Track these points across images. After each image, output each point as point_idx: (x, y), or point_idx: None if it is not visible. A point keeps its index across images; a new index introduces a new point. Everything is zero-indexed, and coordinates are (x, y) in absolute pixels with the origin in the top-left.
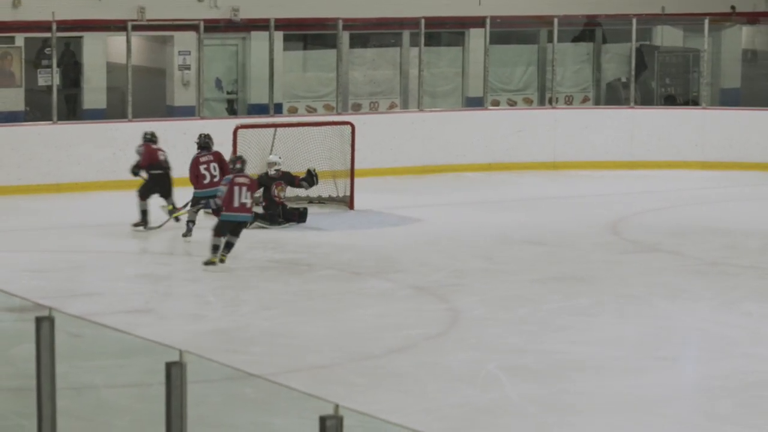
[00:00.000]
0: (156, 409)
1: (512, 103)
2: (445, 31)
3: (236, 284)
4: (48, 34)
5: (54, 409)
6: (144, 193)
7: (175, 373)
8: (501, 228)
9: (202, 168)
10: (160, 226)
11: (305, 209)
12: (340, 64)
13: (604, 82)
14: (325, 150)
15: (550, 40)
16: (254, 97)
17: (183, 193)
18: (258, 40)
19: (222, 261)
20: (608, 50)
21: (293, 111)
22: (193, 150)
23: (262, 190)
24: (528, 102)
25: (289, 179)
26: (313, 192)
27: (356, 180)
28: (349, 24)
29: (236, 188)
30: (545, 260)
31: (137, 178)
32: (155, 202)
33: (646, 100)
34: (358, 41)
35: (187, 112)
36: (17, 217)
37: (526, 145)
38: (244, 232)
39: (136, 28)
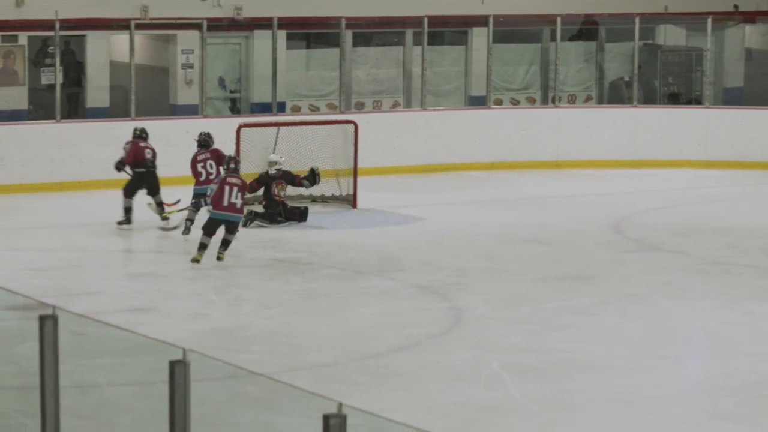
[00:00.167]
0: (159, 408)
1: (515, 102)
2: (448, 30)
3: (238, 283)
4: (51, 33)
5: (57, 408)
6: (128, 191)
7: (178, 372)
8: (504, 227)
9: (199, 166)
10: (176, 227)
11: (306, 208)
12: (343, 63)
13: (607, 81)
14: (328, 149)
15: (553, 39)
16: (257, 96)
17: (178, 192)
18: (261, 38)
19: (220, 259)
20: (611, 49)
21: (296, 110)
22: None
23: (263, 189)
24: (531, 101)
25: (290, 178)
26: (316, 191)
27: (359, 179)
28: (352, 23)
29: (227, 187)
30: (548, 259)
31: (121, 173)
32: (143, 200)
33: (649, 99)
34: (361, 40)
35: (190, 111)
36: (20, 215)
37: (529, 144)
38: (246, 231)
39: (139, 26)
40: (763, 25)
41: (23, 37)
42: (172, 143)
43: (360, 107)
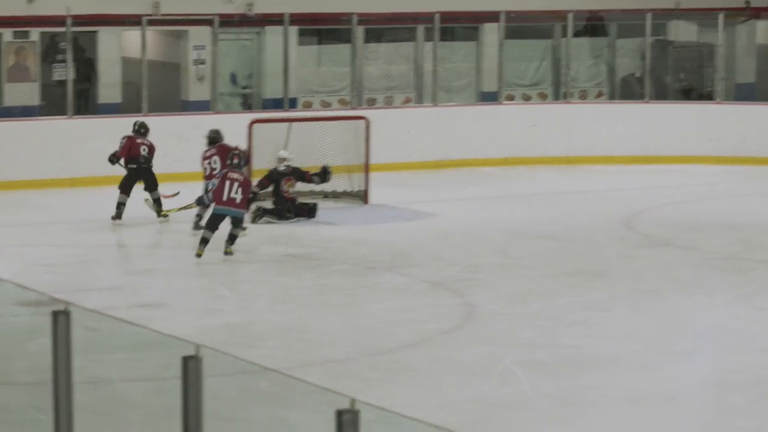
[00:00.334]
0: (171, 403)
1: (527, 98)
2: (459, 26)
3: (250, 278)
4: (63, 29)
5: (70, 403)
6: (123, 186)
7: (191, 367)
8: (515, 223)
9: (205, 162)
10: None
11: (315, 204)
12: (355, 59)
13: (618, 77)
14: (340, 145)
15: (565, 34)
16: (269, 92)
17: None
18: (272, 34)
19: (229, 254)
20: (622, 45)
21: (308, 106)
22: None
23: (272, 185)
24: (542, 97)
25: (299, 174)
26: (328, 187)
27: (371, 175)
28: (364, 19)
29: (227, 182)
30: (560, 255)
31: (114, 166)
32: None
33: (660, 95)
34: (372, 36)
35: (201, 107)
36: (31, 211)
37: (541, 140)
38: (257, 227)
39: (150, 22)
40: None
41: (35, 33)
42: (184, 139)
43: (371, 103)
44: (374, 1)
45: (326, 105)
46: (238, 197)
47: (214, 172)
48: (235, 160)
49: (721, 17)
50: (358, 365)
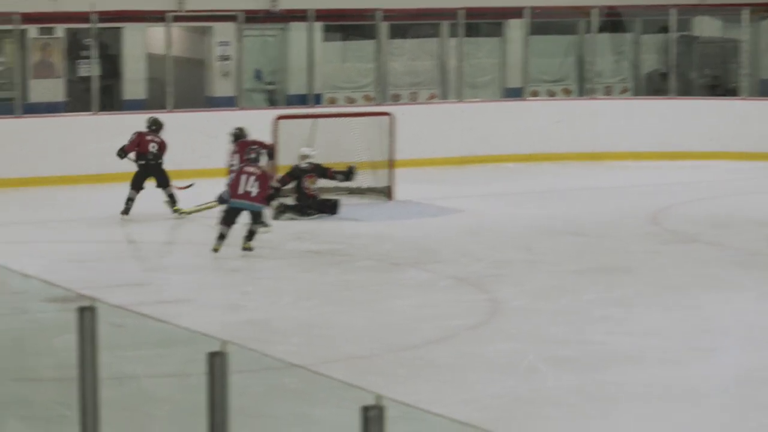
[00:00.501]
0: (196, 399)
1: (551, 94)
2: (484, 22)
3: (275, 275)
4: (88, 25)
5: (96, 399)
6: (133, 182)
7: (217, 364)
8: (541, 219)
9: (229, 159)
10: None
11: (337, 200)
12: (380, 54)
13: (643, 72)
14: (365, 141)
15: (589, 30)
16: (293, 88)
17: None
18: (297, 30)
19: (248, 249)
20: (647, 41)
21: (333, 102)
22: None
23: (294, 182)
24: (567, 93)
25: (321, 171)
26: (353, 183)
27: (395, 171)
28: (389, 15)
29: (243, 176)
30: (585, 251)
31: (123, 161)
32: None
33: (685, 90)
34: (397, 32)
35: (226, 103)
36: (57, 207)
37: (566, 136)
38: (281, 224)
39: (175, 18)
40: None
41: (60, 30)
42: (209, 135)
43: (396, 99)
44: None
45: (351, 101)
46: (254, 191)
47: (232, 168)
48: (252, 155)
49: (746, 13)
50: (382, 361)
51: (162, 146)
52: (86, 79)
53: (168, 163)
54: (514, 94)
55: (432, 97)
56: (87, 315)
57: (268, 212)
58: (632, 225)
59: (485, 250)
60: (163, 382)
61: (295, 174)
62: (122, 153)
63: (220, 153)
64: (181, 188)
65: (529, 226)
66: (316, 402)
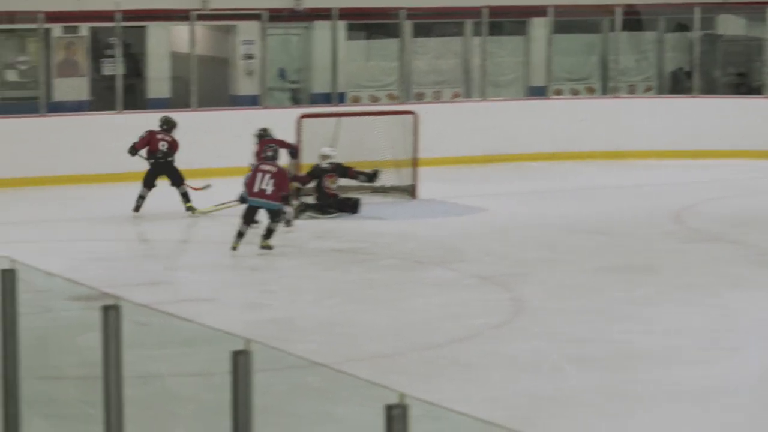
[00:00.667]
0: (221, 398)
1: (575, 93)
2: (507, 21)
3: (298, 273)
4: (112, 24)
5: (120, 398)
6: (144, 180)
7: (241, 362)
8: (564, 217)
9: (252, 158)
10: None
11: (358, 200)
12: (403, 53)
13: (666, 71)
14: (388, 139)
15: (613, 29)
16: (317, 87)
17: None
18: (321, 29)
19: (267, 248)
20: (671, 39)
21: (356, 100)
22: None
23: (315, 182)
24: (591, 91)
25: (342, 171)
26: (377, 181)
27: (419, 169)
28: (413, 13)
29: (259, 174)
30: (608, 249)
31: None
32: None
33: (709, 89)
34: (421, 30)
35: (250, 102)
36: (82, 205)
37: (589, 135)
38: (304, 223)
39: (199, 17)
40: None
41: (84, 28)
42: (234, 134)
43: (420, 98)
44: None
45: (375, 100)
46: (269, 188)
47: (251, 166)
48: (269, 153)
49: None
50: (406, 360)
51: (172, 145)
52: (110, 78)
53: (191, 162)
54: (538, 92)
55: (456, 95)
56: (111, 313)
57: (290, 211)
58: (655, 224)
59: (509, 249)
60: (187, 380)
61: (316, 173)
62: (133, 150)
63: (244, 152)
64: (197, 189)
65: (553, 225)
66: (340, 401)
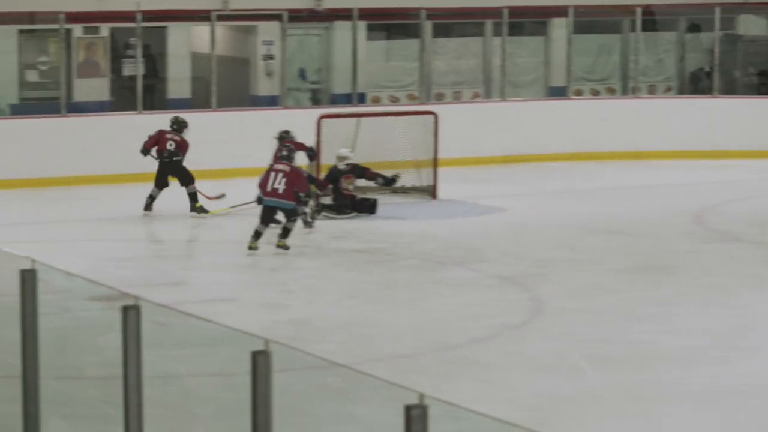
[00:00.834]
0: (240, 398)
1: (595, 93)
2: (527, 21)
3: (318, 273)
4: (132, 25)
5: (140, 398)
6: (155, 180)
7: (260, 362)
8: (584, 217)
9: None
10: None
11: (375, 200)
12: (423, 53)
13: (687, 71)
14: (409, 140)
15: (633, 29)
16: (337, 87)
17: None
18: (341, 29)
19: (282, 247)
20: (691, 40)
21: (376, 101)
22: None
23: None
24: (611, 91)
25: (359, 171)
26: (397, 182)
27: (439, 170)
28: (433, 14)
29: (272, 173)
30: (628, 250)
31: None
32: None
33: (729, 89)
34: (441, 31)
35: (270, 102)
36: (102, 205)
37: (609, 135)
38: (325, 223)
39: (220, 17)
40: None
41: (105, 29)
42: (254, 134)
43: (440, 98)
44: None
45: (395, 100)
46: (281, 187)
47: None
48: (284, 152)
49: None
50: (425, 360)
51: (180, 145)
52: (130, 79)
53: (210, 162)
54: (558, 93)
55: (475, 96)
56: (131, 314)
57: (308, 211)
58: (675, 224)
59: (528, 249)
60: (207, 381)
61: (333, 175)
62: (144, 150)
63: (264, 152)
64: (211, 198)
65: (573, 225)
66: (359, 401)
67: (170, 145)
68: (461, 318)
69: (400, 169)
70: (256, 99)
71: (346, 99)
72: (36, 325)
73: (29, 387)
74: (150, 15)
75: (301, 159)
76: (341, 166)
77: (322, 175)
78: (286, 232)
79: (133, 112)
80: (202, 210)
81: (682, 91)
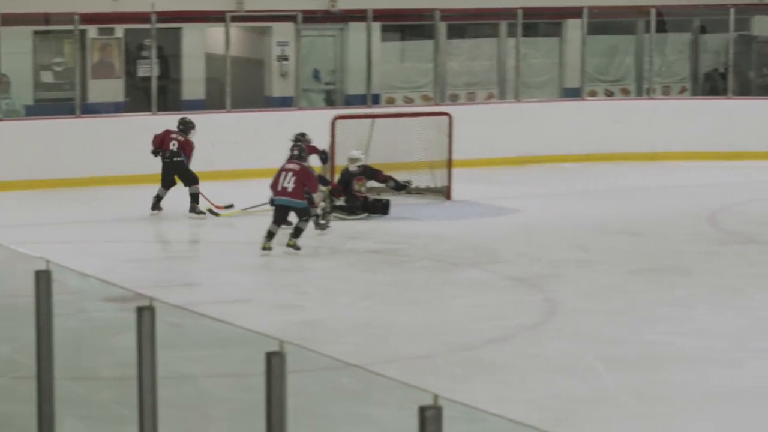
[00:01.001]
0: (255, 399)
1: (609, 94)
2: (542, 22)
3: (333, 274)
4: (147, 26)
5: (155, 399)
6: (162, 179)
7: (275, 363)
8: (598, 218)
9: None
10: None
11: (388, 201)
12: (438, 54)
13: (701, 72)
14: (423, 141)
15: (648, 30)
16: (352, 88)
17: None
18: (356, 30)
19: (292, 246)
20: (706, 41)
21: (391, 102)
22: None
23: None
24: (625, 92)
25: (371, 173)
26: (411, 183)
27: (453, 171)
28: (447, 15)
29: (282, 173)
30: (642, 251)
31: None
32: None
33: (743, 90)
34: (455, 32)
35: (285, 103)
36: (116, 206)
37: (624, 136)
38: (341, 224)
39: (234, 19)
40: None
41: (120, 30)
42: (267, 135)
43: (454, 99)
44: None
45: (409, 101)
46: (290, 186)
47: None
48: (295, 151)
49: None
50: (440, 361)
51: (183, 146)
52: (145, 80)
53: (225, 164)
54: (572, 94)
55: (490, 97)
56: (146, 314)
57: (319, 212)
58: (689, 225)
59: (543, 250)
60: (221, 381)
61: (345, 179)
62: (154, 151)
63: (278, 153)
64: (219, 207)
65: (587, 226)
66: (374, 402)
67: (173, 145)
68: (475, 319)
69: (414, 170)
70: (270, 100)
71: (361, 100)
72: (51, 325)
73: (44, 387)
74: (164, 16)
75: (313, 162)
76: (352, 168)
77: (336, 176)
78: (297, 232)
79: (147, 113)
80: (211, 212)
81: (696, 93)
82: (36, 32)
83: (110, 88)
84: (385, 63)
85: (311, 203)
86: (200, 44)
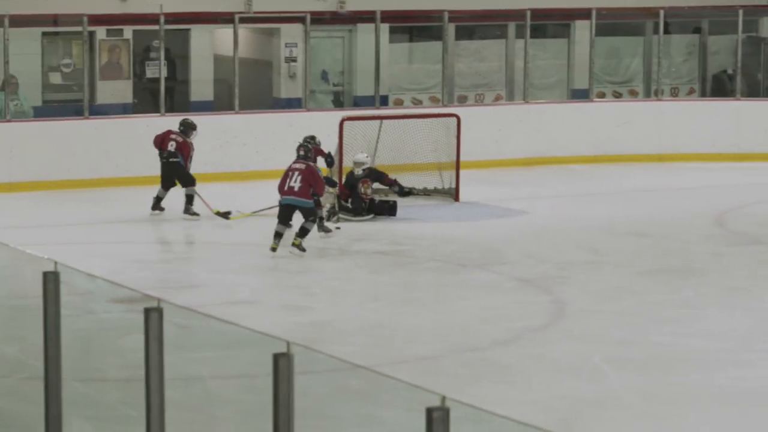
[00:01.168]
0: (262, 400)
1: (618, 95)
2: (550, 23)
3: (341, 276)
4: (156, 27)
5: (162, 400)
6: (161, 180)
7: (282, 365)
8: (606, 220)
9: None
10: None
11: (394, 202)
12: (446, 56)
13: (710, 73)
14: (431, 142)
15: (656, 31)
16: (360, 89)
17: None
18: (364, 32)
19: (296, 246)
20: (714, 42)
21: (399, 103)
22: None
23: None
24: (633, 94)
25: (376, 176)
26: (419, 183)
27: (461, 172)
28: (455, 16)
29: (289, 173)
30: (650, 252)
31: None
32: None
33: (752, 91)
34: (463, 33)
35: (293, 104)
36: (124, 208)
37: (632, 137)
38: (349, 225)
39: (243, 20)
40: None
41: (128, 31)
42: (276, 137)
43: (462, 100)
44: None
45: (417, 102)
46: (296, 185)
47: None
48: (301, 152)
49: None
50: (448, 362)
51: (181, 147)
52: (153, 81)
53: (234, 165)
54: (581, 95)
55: (498, 98)
56: (153, 316)
57: (323, 215)
58: (697, 226)
59: (550, 252)
60: (229, 383)
61: (350, 183)
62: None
63: (286, 154)
64: (220, 213)
65: (595, 228)
66: (381, 403)
67: (171, 146)
68: (483, 320)
69: (422, 171)
70: (278, 101)
71: (369, 101)
72: (59, 326)
73: (52, 388)
74: (173, 17)
75: (320, 165)
76: (357, 172)
77: (344, 177)
78: (303, 232)
79: (156, 114)
80: (221, 215)
81: (704, 94)
82: (44, 33)
83: (118, 90)
84: (393, 64)
85: (318, 204)
86: (208, 45)
